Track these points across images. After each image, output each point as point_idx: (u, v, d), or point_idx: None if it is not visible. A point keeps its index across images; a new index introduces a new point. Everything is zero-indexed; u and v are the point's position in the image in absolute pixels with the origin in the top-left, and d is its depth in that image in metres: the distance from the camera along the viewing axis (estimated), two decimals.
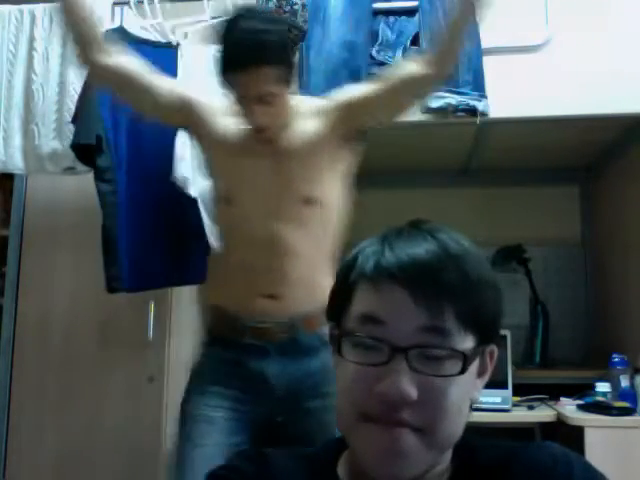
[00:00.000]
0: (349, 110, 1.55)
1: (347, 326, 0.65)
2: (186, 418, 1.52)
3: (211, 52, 2.13)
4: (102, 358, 2.35)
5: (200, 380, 1.56)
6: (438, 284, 0.62)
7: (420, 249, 0.64)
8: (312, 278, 1.52)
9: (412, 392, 0.60)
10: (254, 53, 1.40)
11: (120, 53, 1.59)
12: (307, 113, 1.57)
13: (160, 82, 1.61)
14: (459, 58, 1.57)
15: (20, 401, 2.37)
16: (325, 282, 1.51)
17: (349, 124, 1.56)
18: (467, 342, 0.63)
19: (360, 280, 0.66)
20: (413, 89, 1.56)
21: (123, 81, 1.59)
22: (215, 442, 1.46)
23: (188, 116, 1.61)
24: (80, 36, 1.57)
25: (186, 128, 1.69)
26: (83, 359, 2.36)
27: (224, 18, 1.51)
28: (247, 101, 1.46)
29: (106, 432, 2.30)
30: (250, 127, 1.52)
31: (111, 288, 1.97)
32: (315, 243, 1.54)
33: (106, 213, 1.98)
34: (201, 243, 2.04)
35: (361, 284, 0.65)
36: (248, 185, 1.55)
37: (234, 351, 1.53)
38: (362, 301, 0.65)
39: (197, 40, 2.24)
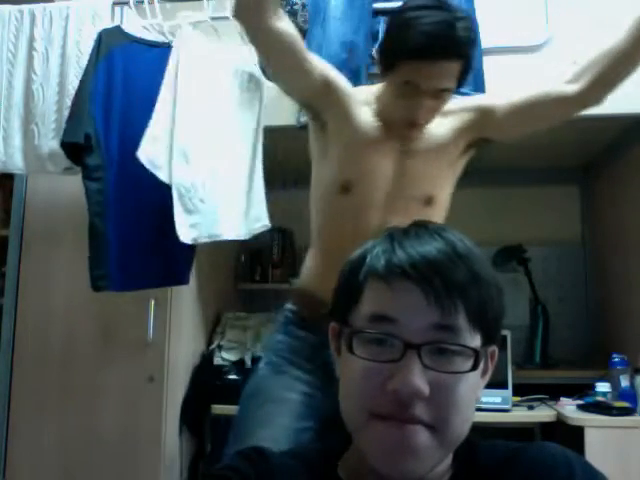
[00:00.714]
0: (486, 117, 1.53)
1: (357, 324, 0.65)
2: (259, 393, 1.49)
3: (210, 52, 2.14)
4: (102, 358, 2.35)
5: (279, 357, 1.52)
6: (450, 282, 0.63)
7: (430, 247, 0.65)
8: None
9: (424, 388, 0.60)
10: (450, 46, 1.35)
11: (285, 19, 1.48)
12: (440, 112, 1.52)
13: (312, 59, 1.53)
14: (620, 84, 1.46)
15: (20, 401, 2.37)
16: None
17: (480, 133, 1.54)
18: (475, 340, 0.64)
19: (370, 278, 0.66)
20: (553, 108, 1.51)
21: (287, 48, 1.47)
22: (283, 424, 1.42)
23: (325, 99, 1.54)
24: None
25: (313, 109, 1.60)
26: (83, 359, 2.36)
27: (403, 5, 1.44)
28: (420, 93, 1.39)
29: (106, 432, 2.30)
30: (402, 118, 1.46)
31: (96, 287, 1.97)
32: None
33: (93, 212, 1.98)
34: (183, 244, 2.03)
35: (371, 282, 0.66)
36: (372, 176, 1.52)
37: (316, 334, 1.48)
38: (373, 299, 0.65)
39: (197, 40, 2.24)
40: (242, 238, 2.23)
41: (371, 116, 1.53)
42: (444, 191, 1.56)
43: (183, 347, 2.46)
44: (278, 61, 1.53)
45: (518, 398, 2.43)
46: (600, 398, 2.31)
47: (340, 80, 1.55)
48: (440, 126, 1.53)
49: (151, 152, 1.94)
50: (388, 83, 1.47)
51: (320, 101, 1.55)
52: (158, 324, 2.32)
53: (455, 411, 0.62)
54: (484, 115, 1.54)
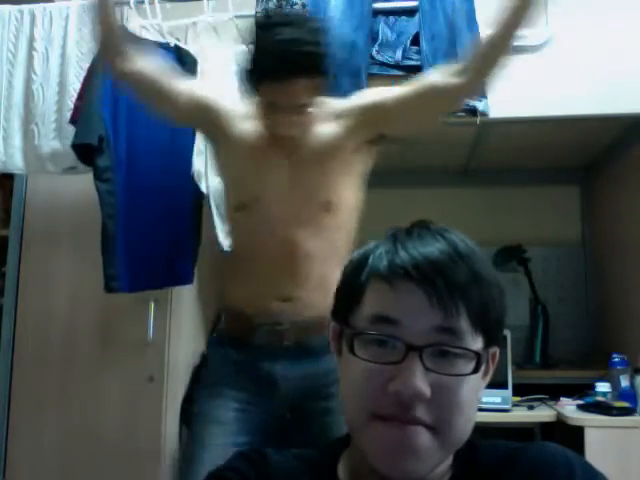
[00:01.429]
0: (371, 115, 1.53)
1: (358, 325, 0.65)
2: (196, 418, 1.53)
3: (210, 51, 2.14)
4: (102, 358, 2.34)
5: (210, 380, 1.57)
6: (453, 284, 0.63)
7: (433, 249, 0.65)
8: (326, 281, 1.51)
9: (426, 390, 0.60)
10: (296, 64, 1.36)
11: (143, 58, 1.58)
12: (328, 115, 1.54)
13: (181, 85, 1.59)
14: (497, 71, 1.47)
15: (20, 401, 2.37)
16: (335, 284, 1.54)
17: (370, 129, 1.54)
18: (477, 342, 0.64)
19: (372, 279, 0.66)
20: (439, 100, 1.51)
21: (146, 86, 1.59)
22: (224, 442, 1.46)
23: (207, 119, 1.59)
24: (108, 45, 1.59)
25: (205, 131, 1.67)
26: (83, 359, 2.36)
27: (254, 23, 1.47)
28: (279, 110, 1.43)
29: (106, 432, 2.30)
30: (275, 134, 1.50)
31: (109, 288, 1.97)
32: (332, 246, 1.53)
33: (105, 213, 1.98)
34: (187, 245, 2.04)
35: (373, 283, 0.66)
36: (267, 190, 1.53)
37: (246, 352, 1.53)
38: (375, 300, 0.65)
39: (196, 40, 2.24)
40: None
41: (255, 129, 1.54)
42: (345, 195, 1.55)
43: (183, 347, 2.46)
44: (146, 98, 1.62)
45: (518, 398, 2.43)
46: (600, 398, 2.31)
47: (218, 100, 1.59)
48: (328, 129, 1.53)
49: (197, 164, 1.99)
50: (255, 102, 1.50)
51: (199, 124, 1.62)
52: (158, 324, 2.31)
53: (457, 413, 0.62)
54: (372, 112, 1.53)
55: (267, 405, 1.52)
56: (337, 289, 0.72)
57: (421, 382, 0.60)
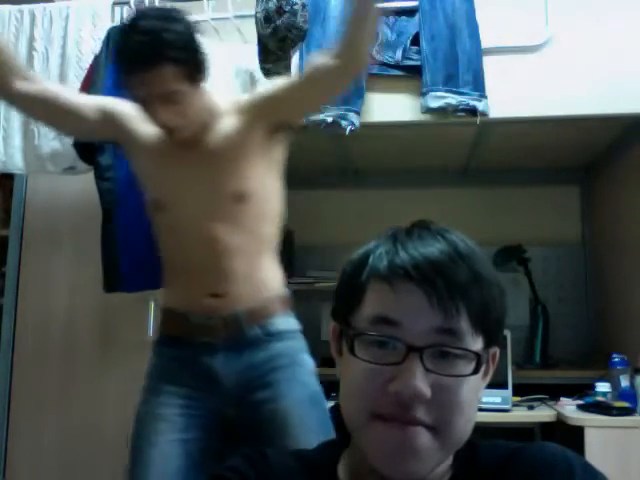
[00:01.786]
0: (265, 106, 1.57)
1: (359, 325, 0.65)
2: (141, 417, 1.58)
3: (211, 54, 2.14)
4: (102, 358, 2.35)
5: (153, 380, 1.60)
6: (453, 284, 0.63)
7: (433, 249, 0.65)
8: (254, 273, 1.56)
9: (426, 391, 0.61)
10: (152, 51, 1.40)
11: (38, 79, 1.62)
12: (228, 111, 1.58)
13: (81, 100, 1.64)
14: (368, 49, 1.52)
15: (20, 401, 2.37)
16: (268, 275, 1.58)
17: (267, 120, 1.57)
18: (477, 343, 0.64)
19: (373, 280, 0.66)
20: (322, 83, 1.55)
21: (45, 106, 1.62)
22: (170, 439, 1.50)
23: (112, 128, 1.63)
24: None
25: (114, 138, 1.70)
26: (83, 359, 2.36)
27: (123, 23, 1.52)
28: (151, 102, 1.46)
29: (106, 432, 2.30)
30: (160, 129, 1.53)
31: (109, 288, 1.97)
32: (252, 238, 1.56)
33: (105, 211, 1.98)
34: None
35: (374, 284, 0.65)
36: (177, 189, 1.57)
37: (184, 349, 1.57)
38: (376, 301, 0.65)
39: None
40: None
41: (156, 129, 1.57)
42: (257, 186, 1.57)
43: None
44: (47, 119, 1.66)
45: (518, 398, 2.43)
46: (600, 398, 2.31)
47: (117, 107, 1.62)
48: (229, 123, 1.56)
49: None
50: (136, 102, 1.52)
51: (112, 133, 1.64)
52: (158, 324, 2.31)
53: (457, 413, 0.62)
54: (267, 102, 1.57)
55: (211, 400, 1.54)
56: (337, 289, 0.72)
57: (421, 383, 0.60)
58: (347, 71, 1.52)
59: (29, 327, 2.40)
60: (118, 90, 2.01)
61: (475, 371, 0.63)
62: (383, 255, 0.66)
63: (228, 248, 1.54)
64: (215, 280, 1.54)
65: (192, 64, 1.46)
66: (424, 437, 0.61)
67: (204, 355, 1.54)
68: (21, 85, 1.57)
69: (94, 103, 1.65)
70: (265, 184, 1.59)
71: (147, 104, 1.48)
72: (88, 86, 2.04)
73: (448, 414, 0.62)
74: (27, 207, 2.47)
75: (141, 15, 1.45)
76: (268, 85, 1.61)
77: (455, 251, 0.65)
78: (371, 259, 0.67)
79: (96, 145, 1.98)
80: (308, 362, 1.58)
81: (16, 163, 2.19)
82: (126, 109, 1.62)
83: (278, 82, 1.60)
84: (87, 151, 2.00)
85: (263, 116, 1.56)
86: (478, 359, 0.63)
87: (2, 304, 2.45)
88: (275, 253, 1.62)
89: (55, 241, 2.43)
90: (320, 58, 1.54)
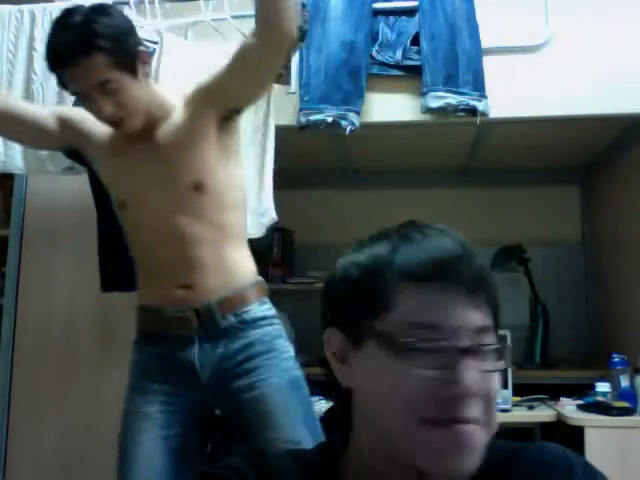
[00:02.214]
0: (206, 95, 1.56)
1: (395, 330, 0.63)
2: (125, 416, 1.58)
3: (211, 54, 2.13)
4: (102, 358, 2.34)
5: (135, 378, 1.62)
6: (482, 283, 0.65)
7: (454, 247, 0.65)
8: (221, 262, 1.57)
9: (478, 390, 0.62)
10: (79, 42, 1.41)
11: None
12: (178, 104, 1.58)
13: (37, 111, 1.67)
14: (286, 19, 1.46)
15: (20, 400, 2.37)
16: (237, 264, 1.58)
17: (213, 108, 1.56)
18: (495, 338, 0.66)
19: (405, 281, 0.64)
20: (251, 62, 1.53)
21: (3, 120, 1.65)
22: (153, 437, 1.51)
23: (70, 135, 1.65)
24: None
25: (75, 145, 1.70)
26: (83, 359, 2.36)
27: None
28: (89, 96, 1.47)
29: (106, 432, 2.29)
30: (106, 124, 1.53)
31: (106, 287, 1.97)
32: (215, 228, 1.57)
33: (101, 212, 1.98)
34: None
35: (406, 286, 0.64)
36: (135, 186, 1.58)
37: (161, 345, 1.58)
38: (415, 304, 0.63)
39: (196, 39, 2.24)
40: (256, 236, 2.22)
41: (107, 129, 1.59)
42: (215, 175, 1.57)
43: None
44: (6, 133, 1.72)
45: (518, 398, 2.43)
46: (600, 398, 2.31)
47: (69, 113, 1.65)
48: (178, 115, 1.57)
49: None
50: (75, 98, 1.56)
51: (71, 140, 1.66)
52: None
53: (494, 406, 0.64)
54: (209, 91, 1.57)
55: (190, 394, 1.55)
56: (341, 295, 0.69)
57: (474, 383, 0.61)
58: (269, 46, 1.50)
59: (29, 327, 2.40)
60: None
61: (504, 364, 0.66)
62: (412, 256, 0.65)
63: (191, 239, 1.55)
64: (182, 272, 1.55)
65: (122, 53, 1.46)
66: (477, 434, 0.62)
67: (181, 349, 1.55)
68: None
69: (49, 112, 1.67)
70: (222, 173, 1.59)
71: (87, 99, 1.48)
72: None
73: (491, 407, 0.64)
74: (27, 207, 2.47)
75: (68, 11, 1.46)
76: (208, 76, 1.60)
77: (468, 249, 0.66)
78: (397, 260, 0.65)
79: None
80: (286, 347, 1.58)
81: (16, 163, 2.19)
82: (79, 113, 1.64)
83: (215, 72, 1.58)
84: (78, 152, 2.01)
85: (208, 104, 1.56)
86: (502, 352, 0.66)
87: (2, 304, 2.44)
88: (244, 242, 1.63)
89: (55, 241, 2.42)
90: (244, 39, 1.54)
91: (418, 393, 0.61)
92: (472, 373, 0.61)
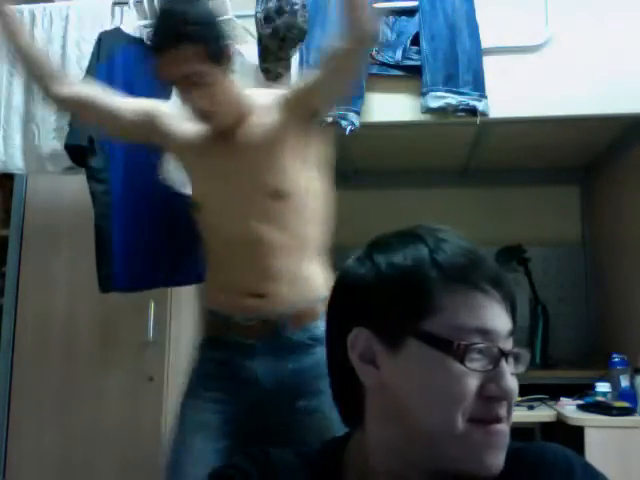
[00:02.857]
0: (298, 99, 1.55)
1: (445, 332, 0.64)
2: (179, 421, 1.53)
3: None
4: (102, 358, 2.35)
5: (193, 383, 1.56)
6: (511, 289, 0.68)
7: (481, 254, 0.68)
8: (295, 274, 1.51)
9: (517, 390, 0.66)
10: (169, 33, 1.42)
11: (77, 82, 1.67)
12: (263, 106, 1.56)
13: (120, 104, 1.64)
14: (366, 21, 1.44)
15: (20, 401, 2.37)
16: (312, 277, 1.52)
17: (300, 113, 1.55)
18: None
19: (453, 283, 0.65)
20: (342, 66, 1.51)
21: (85, 109, 1.64)
22: (201, 448, 1.47)
23: (152, 131, 1.63)
24: (36, 72, 1.65)
25: (154, 140, 1.69)
26: (83, 359, 2.36)
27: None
28: (182, 86, 1.46)
29: (106, 432, 2.30)
30: (198, 117, 1.51)
31: (104, 288, 1.97)
32: (293, 237, 1.52)
33: (99, 213, 1.99)
34: (195, 243, 2.04)
35: (455, 288, 0.65)
36: (214, 187, 1.56)
37: (222, 350, 1.53)
38: (467, 307, 0.65)
39: None
40: None
41: (193, 128, 1.57)
42: (296, 182, 1.54)
43: (183, 347, 2.46)
44: (88, 119, 1.69)
45: (518, 398, 2.41)
46: (600, 398, 2.31)
47: (155, 108, 1.63)
48: (265, 118, 1.55)
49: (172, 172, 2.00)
50: (169, 88, 1.55)
51: (152, 136, 1.63)
52: (158, 324, 2.32)
53: (513, 406, 0.68)
54: (298, 93, 1.56)
55: (249, 406, 1.51)
56: (378, 295, 0.68)
57: (513, 384, 0.65)
58: (358, 49, 1.49)
59: (29, 327, 2.40)
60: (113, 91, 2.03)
61: (525, 368, 0.68)
62: (455, 258, 0.66)
63: (269, 247, 1.50)
64: (256, 280, 1.50)
65: (212, 44, 1.44)
66: (507, 432, 0.66)
67: (242, 357, 1.51)
68: (58, 89, 1.61)
69: (133, 105, 1.64)
70: (301, 181, 1.55)
71: (181, 91, 1.47)
72: None
73: (512, 406, 0.67)
74: (27, 207, 2.47)
75: (167, 1, 1.49)
76: (297, 80, 1.61)
77: (483, 253, 0.68)
78: (442, 262, 0.66)
79: (87, 147, 1.98)
80: None
81: (16, 163, 2.19)
82: (165, 109, 1.63)
83: (304, 76, 1.61)
84: (79, 153, 2.01)
85: (296, 108, 1.54)
86: (520, 357, 0.68)
87: (2, 304, 2.45)
88: (321, 253, 1.57)
89: (55, 241, 2.43)
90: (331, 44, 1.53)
91: (469, 393, 0.63)
92: (509, 374, 0.65)
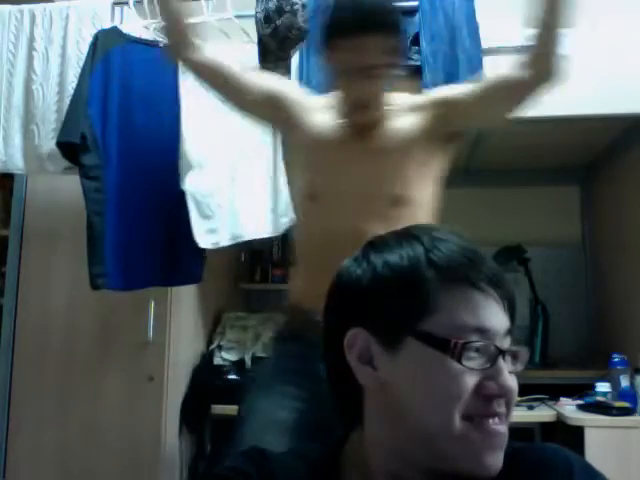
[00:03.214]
0: (446, 109, 1.51)
1: (444, 331, 0.64)
2: (248, 413, 1.45)
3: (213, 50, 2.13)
4: (102, 358, 2.35)
5: (268, 377, 1.49)
6: (509, 288, 0.69)
7: (481, 253, 0.68)
8: None
9: (516, 388, 0.66)
10: (368, 20, 1.37)
11: (207, 51, 1.59)
12: (401, 109, 1.52)
13: (250, 80, 1.59)
14: (558, 56, 1.45)
15: (20, 401, 2.37)
16: None
17: (444, 124, 1.52)
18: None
19: (450, 283, 0.65)
20: (510, 94, 1.50)
21: (215, 77, 1.59)
22: (277, 444, 1.35)
23: (277, 112, 1.57)
24: (175, 35, 1.61)
25: (274, 123, 1.65)
26: (83, 359, 2.36)
27: None
28: (353, 74, 1.41)
29: (106, 432, 2.30)
30: (349, 106, 1.47)
31: (95, 285, 1.97)
32: None
33: (91, 210, 1.99)
34: (191, 243, 2.04)
35: (452, 287, 0.65)
36: (337, 182, 1.50)
37: (305, 345, 1.44)
38: (465, 306, 0.65)
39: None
40: (270, 235, 2.22)
41: (330, 120, 1.53)
42: (418, 191, 1.52)
43: (183, 347, 2.46)
44: (214, 87, 1.61)
45: (518, 398, 2.42)
46: (600, 398, 2.31)
47: (289, 91, 1.58)
48: (404, 123, 1.51)
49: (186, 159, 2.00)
50: (330, 69, 1.47)
51: (270, 116, 1.59)
52: (158, 324, 2.31)
53: (514, 404, 0.68)
54: (444, 108, 1.52)
55: (321, 404, 1.45)
56: (374, 296, 0.68)
57: (511, 382, 0.66)
58: (538, 82, 1.47)
59: (29, 327, 2.40)
60: (104, 88, 2.03)
61: (524, 367, 0.68)
62: (451, 257, 0.66)
63: None
64: None
65: (401, 40, 1.44)
66: (506, 432, 0.66)
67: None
68: (190, 55, 1.58)
69: (262, 84, 1.59)
70: (424, 191, 1.53)
71: (350, 78, 1.42)
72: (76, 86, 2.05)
73: (511, 405, 0.67)
74: (27, 207, 2.47)
75: None
76: (444, 89, 1.55)
77: (482, 252, 0.68)
78: (438, 261, 0.66)
79: (80, 145, 1.98)
80: None
81: (16, 163, 2.19)
82: (298, 94, 1.59)
83: (457, 87, 1.54)
84: (71, 151, 2.01)
85: (440, 119, 1.50)
86: (518, 355, 0.68)
87: (2, 304, 2.45)
88: None
89: (55, 241, 2.42)
90: (508, 70, 1.50)
91: (465, 392, 0.64)
92: (507, 372, 0.65)
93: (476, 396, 0.64)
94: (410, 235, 0.70)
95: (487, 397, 0.64)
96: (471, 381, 0.64)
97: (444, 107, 1.52)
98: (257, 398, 1.46)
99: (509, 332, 0.67)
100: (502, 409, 0.66)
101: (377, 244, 0.71)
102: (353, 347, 0.68)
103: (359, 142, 1.50)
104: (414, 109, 1.53)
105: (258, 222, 2.16)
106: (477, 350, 0.64)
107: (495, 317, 0.66)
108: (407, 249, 0.68)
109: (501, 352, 0.65)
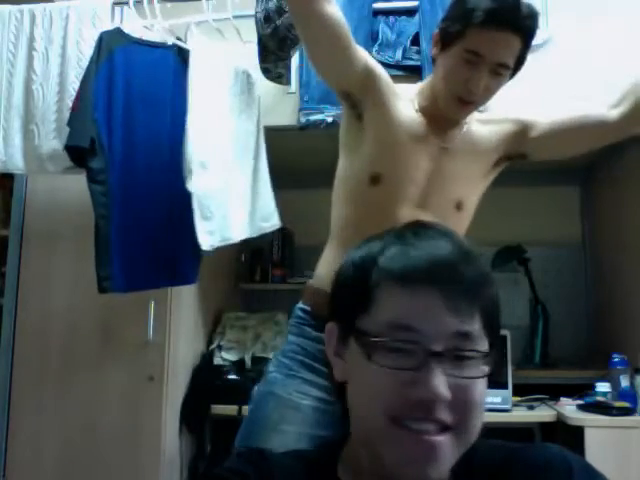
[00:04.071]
0: (523, 128, 1.53)
1: (371, 330, 0.64)
2: (271, 399, 1.40)
3: (214, 54, 2.14)
4: (102, 358, 2.35)
5: (292, 361, 1.44)
6: (468, 287, 0.63)
7: (445, 250, 0.64)
8: None
9: (447, 394, 0.61)
10: (516, 17, 1.35)
11: (334, 4, 1.46)
12: (481, 118, 1.53)
13: (356, 47, 1.51)
14: None
15: (20, 401, 2.37)
16: None
17: (517, 143, 1.53)
18: (485, 345, 0.65)
19: (385, 282, 0.64)
20: (596, 132, 1.53)
21: (337, 37, 1.45)
22: (298, 431, 1.33)
23: (366, 88, 1.50)
24: None
25: (352, 98, 1.54)
26: (83, 359, 2.36)
27: None
28: (481, 65, 1.39)
29: (106, 432, 2.30)
30: (451, 98, 1.44)
31: (102, 288, 1.97)
32: None
33: (98, 214, 1.99)
34: (189, 244, 2.05)
35: (386, 286, 0.64)
36: (404, 170, 1.47)
37: None
38: (391, 305, 0.63)
39: (197, 40, 2.24)
40: (249, 237, 2.24)
41: (412, 111, 1.50)
42: (472, 201, 1.55)
43: (183, 347, 2.46)
44: (324, 47, 1.48)
45: (518, 398, 2.43)
46: (600, 398, 2.31)
47: (382, 71, 1.52)
48: (481, 131, 1.52)
49: (192, 160, 1.99)
50: (448, 56, 1.42)
51: (360, 90, 1.50)
52: (158, 324, 2.32)
53: (474, 413, 0.63)
54: (524, 129, 1.53)
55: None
56: (337, 291, 0.70)
57: (442, 387, 0.61)
58: (624, 131, 1.49)
59: (29, 327, 2.40)
60: (113, 92, 2.03)
61: (489, 372, 0.64)
62: (396, 257, 0.64)
63: None
64: None
65: (527, 52, 1.42)
66: (445, 443, 0.61)
67: None
68: (322, 5, 1.41)
69: (366, 55, 1.51)
70: (475, 202, 1.56)
71: (472, 66, 1.39)
72: (81, 89, 2.04)
73: (466, 414, 0.62)
74: (27, 207, 2.47)
75: None
76: (531, 113, 1.56)
77: (463, 251, 0.65)
78: (382, 260, 0.65)
79: (87, 149, 1.98)
80: None
81: (16, 163, 2.19)
82: (387, 78, 1.53)
83: (541, 115, 1.55)
84: (79, 154, 2.01)
85: (517, 141, 1.52)
86: (490, 360, 0.64)
87: (2, 304, 2.45)
88: None
89: (55, 241, 2.43)
90: (599, 107, 1.51)
91: (389, 393, 0.62)
92: (442, 378, 0.61)
93: (404, 399, 0.61)
94: (389, 232, 0.69)
95: (417, 401, 0.61)
96: (392, 381, 0.62)
97: (526, 129, 1.53)
98: (277, 381, 1.41)
99: (462, 335, 0.63)
100: (443, 416, 0.61)
101: (366, 239, 0.71)
102: (329, 340, 0.70)
103: (438, 137, 1.48)
104: (494, 120, 1.54)
105: (241, 225, 2.19)
106: (398, 350, 0.62)
107: (432, 318, 0.62)
108: (369, 247, 0.68)
109: (433, 354, 0.61)
